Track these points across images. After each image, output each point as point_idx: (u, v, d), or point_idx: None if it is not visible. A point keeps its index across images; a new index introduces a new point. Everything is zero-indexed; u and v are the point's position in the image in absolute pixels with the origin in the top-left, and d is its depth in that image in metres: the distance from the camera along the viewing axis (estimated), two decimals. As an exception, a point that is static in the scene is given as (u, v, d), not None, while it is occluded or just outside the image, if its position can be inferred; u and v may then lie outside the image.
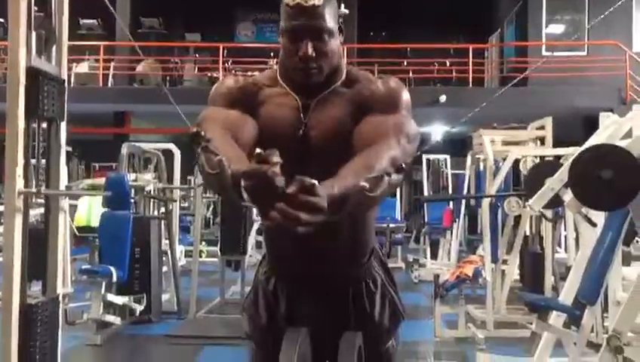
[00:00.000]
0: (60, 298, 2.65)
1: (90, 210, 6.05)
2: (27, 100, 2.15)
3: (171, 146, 6.02)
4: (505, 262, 5.85)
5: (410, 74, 11.75)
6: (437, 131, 12.77)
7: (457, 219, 7.79)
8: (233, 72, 12.69)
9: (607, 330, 3.91)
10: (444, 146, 11.09)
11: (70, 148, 2.37)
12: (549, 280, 5.15)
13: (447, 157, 10.71)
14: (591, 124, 5.59)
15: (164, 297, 5.72)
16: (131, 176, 5.83)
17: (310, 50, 1.47)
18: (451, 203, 8.12)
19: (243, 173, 1.12)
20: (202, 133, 1.28)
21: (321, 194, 1.11)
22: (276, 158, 1.12)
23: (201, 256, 6.09)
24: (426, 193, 10.57)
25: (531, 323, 4.13)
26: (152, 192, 5.35)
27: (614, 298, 3.68)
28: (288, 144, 1.49)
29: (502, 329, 4.77)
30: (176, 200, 5.60)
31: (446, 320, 5.09)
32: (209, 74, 12.66)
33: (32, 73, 2.19)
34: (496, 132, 5.55)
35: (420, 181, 10.99)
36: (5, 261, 2.34)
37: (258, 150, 1.13)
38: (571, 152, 4.70)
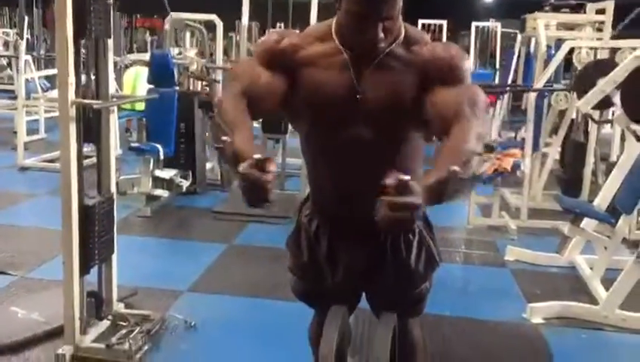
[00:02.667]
0: (114, 196, 2.82)
1: (136, 82, 6.13)
2: (75, 22, 2.19)
3: (214, 17, 5.88)
4: (547, 145, 5.77)
5: None
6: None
7: (501, 97, 7.61)
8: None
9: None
10: (494, 8, 10.52)
11: (111, 1, 2.34)
12: (590, 163, 5.08)
13: (498, 25, 10.20)
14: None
15: (208, 166, 5.93)
16: (175, 51, 5.82)
17: (381, 35, 1.41)
18: (496, 79, 7.88)
19: (240, 173, 1.20)
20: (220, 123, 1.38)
21: (417, 192, 1.14)
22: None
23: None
24: (472, 62, 10.26)
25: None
26: (195, 71, 5.36)
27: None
28: (341, 106, 1.50)
29: (535, 220, 4.84)
30: (219, 82, 5.60)
31: (481, 206, 5.19)
32: None
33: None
34: (552, 15, 5.25)
35: (467, 48, 10.57)
36: (62, 168, 2.48)
37: (257, 156, 1.19)
38: (629, 46, 4.48)
